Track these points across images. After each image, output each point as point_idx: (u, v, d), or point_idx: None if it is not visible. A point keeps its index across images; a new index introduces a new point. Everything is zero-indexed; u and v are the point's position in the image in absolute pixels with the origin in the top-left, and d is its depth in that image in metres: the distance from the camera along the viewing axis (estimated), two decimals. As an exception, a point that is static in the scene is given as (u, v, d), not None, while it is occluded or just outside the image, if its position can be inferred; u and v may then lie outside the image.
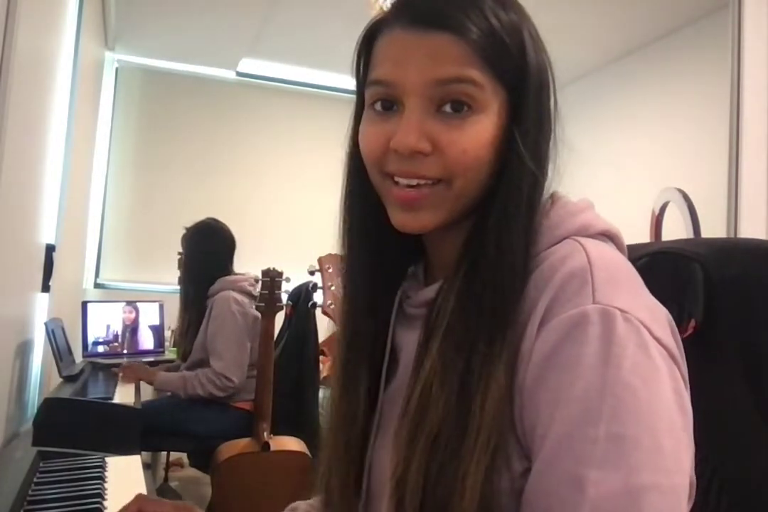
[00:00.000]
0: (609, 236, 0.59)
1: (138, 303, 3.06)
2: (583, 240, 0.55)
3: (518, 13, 0.58)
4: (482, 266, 0.55)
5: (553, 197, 0.61)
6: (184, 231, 2.66)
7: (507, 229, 0.55)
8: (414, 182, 0.56)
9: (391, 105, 0.57)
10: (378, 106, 0.58)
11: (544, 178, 0.57)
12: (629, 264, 0.55)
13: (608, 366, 0.46)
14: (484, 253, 0.55)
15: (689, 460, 0.47)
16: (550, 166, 0.59)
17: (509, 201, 0.55)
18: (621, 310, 0.48)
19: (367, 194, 0.62)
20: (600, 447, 0.44)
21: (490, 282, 0.53)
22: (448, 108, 0.55)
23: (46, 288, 2.07)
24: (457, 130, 0.54)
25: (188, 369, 2.51)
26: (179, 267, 2.69)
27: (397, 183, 0.57)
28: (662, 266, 0.68)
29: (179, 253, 2.68)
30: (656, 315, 0.51)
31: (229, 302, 2.47)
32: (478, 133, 0.55)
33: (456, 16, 0.54)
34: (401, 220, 0.58)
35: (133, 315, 3.00)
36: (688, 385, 0.51)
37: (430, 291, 0.61)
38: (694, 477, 0.49)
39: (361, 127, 0.60)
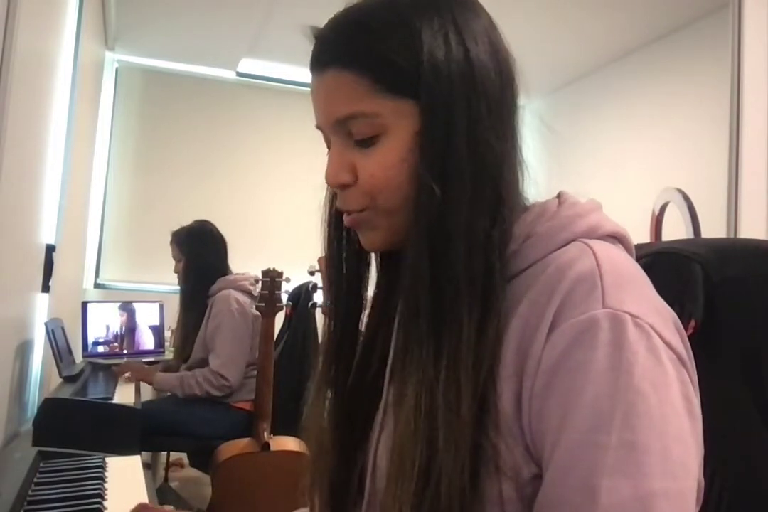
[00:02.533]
0: (617, 238, 0.58)
1: (133, 304, 3.06)
2: (591, 242, 0.54)
3: (413, 9, 0.55)
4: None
5: (559, 198, 0.59)
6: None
7: (414, 245, 0.54)
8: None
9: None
10: (328, 149, 0.61)
11: (448, 191, 0.53)
12: (638, 267, 0.54)
13: (619, 372, 0.46)
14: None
15: (697, 464, 0.48)
16: (508, 175, 0.55)
17: (414, 216, 0.54)
18: (631, 315, 0.48)
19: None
20: (611, 455, 0.44)
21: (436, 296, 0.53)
22: (358, 138, 0.56)
23: (46, 288, 2.07)
24: (368, 156, 0.56)
25: (190, 368, 2.52)
26: (175, 271, 2.69)
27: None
28: (662, 266, 0.68)
29: (176, 259, 2.68)
30: (665, 319, 0.51)
31: (229, 301, 2.48)
32: (384, 156, 0.55)
33: (337, 48, 0.56)
34: (361, 241, 0.62)
35: (124, 318, 3.00)
36: (698, 389, 0.50)
37: None
38: (702, 481, 0.49)
39: None
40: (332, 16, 0.59)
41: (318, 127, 0.61)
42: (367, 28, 0.55)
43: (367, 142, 0.56)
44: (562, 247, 0.54)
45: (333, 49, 0.57)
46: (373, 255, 0.67)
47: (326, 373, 0.67)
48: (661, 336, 0.48)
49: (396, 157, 0.55)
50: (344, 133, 0.57)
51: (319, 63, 0.58)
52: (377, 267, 0.68)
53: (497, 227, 0.54)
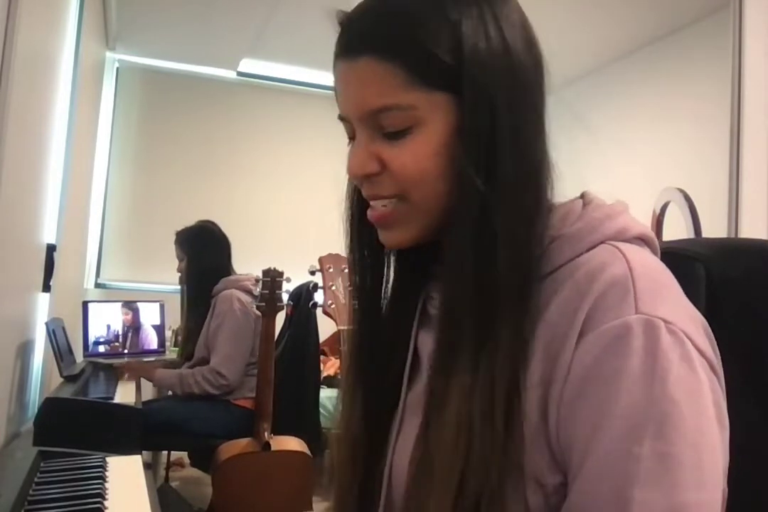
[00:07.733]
0: (645, 240, 0.56)
1: (137, 303, 3.06)
2: (620, 245, 0.52)
3: (461, 4, 0.53)
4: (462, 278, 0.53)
5: (584, 198, 0.58)
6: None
7: (457, 243, 0.53)
8: (380, 203, 0.57)
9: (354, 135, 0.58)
10: (350, 139, 0.59)
11: (493, 187, 0.52)
12: (668, 271, 0.53)
13: (653, 381, 0.45)
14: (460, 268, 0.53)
15: (724, 473, 0.47)
16: (548, 170, 0.54)
17: (456, 213, 0.53)
18: (665, 321, 0.47)
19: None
20: (644, 466, 0.44)
21: (475, 297, 0.52)
22: (389, 130, 0.54)
23: (46, 288, 2.07)
24: (399, 146, 0.54)
25: (192, 367, 2.53)
26: (179, 270, 2.70)
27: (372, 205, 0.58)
28: (664, 266, 0.68)
29: (179, 258, 2.68)
30: (697, 325, 0.50)
31: (232, 300, 2.49)
32: (418, 147, 0.53)
33: (372, 36, 0.53)
34: (382, 238, 0.59)
35: (129, 316, 3.00)
36: (725, 396, 0.50)
37: None
38: (726, 489, 0.48)
39: None
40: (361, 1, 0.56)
41: (341, 118, 0.58)
42: (405, 17, 0.52)
43: (398, 134, 0.54)
44: (590, 249, 0.53)
45: (368, 36, 0.54)
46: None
47: (354, 372, 0.65)
48: (694, 343, 0.47)
49: (430, 149, 0.53)
50: (373, 124, 0.55)
51: (350, 50, 0.54)
52: (394, 264, 0.66)
53: (535, 227, 0.53)
